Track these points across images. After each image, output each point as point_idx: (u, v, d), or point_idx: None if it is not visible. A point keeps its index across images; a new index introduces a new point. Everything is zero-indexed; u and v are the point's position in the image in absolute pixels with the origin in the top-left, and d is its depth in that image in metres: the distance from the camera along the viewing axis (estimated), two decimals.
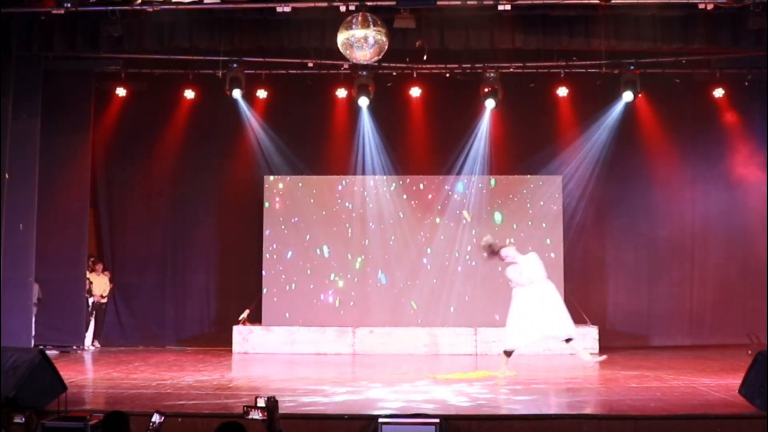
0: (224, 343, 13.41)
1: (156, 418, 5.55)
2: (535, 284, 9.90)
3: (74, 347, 13.23)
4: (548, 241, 13.74)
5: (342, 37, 9.65)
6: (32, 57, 11.82)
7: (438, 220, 13.97)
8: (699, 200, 14.27)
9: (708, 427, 7.40)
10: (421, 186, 14.09)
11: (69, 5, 10.24)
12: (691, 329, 14.11)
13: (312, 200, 14.09)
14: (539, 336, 10.06)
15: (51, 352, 11.22)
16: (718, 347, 13.27)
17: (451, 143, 14.07)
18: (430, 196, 14.04)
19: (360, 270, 13.93)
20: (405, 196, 14.04)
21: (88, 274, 13.74)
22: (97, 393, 9.31)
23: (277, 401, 5.18)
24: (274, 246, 13.90)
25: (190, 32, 11.27)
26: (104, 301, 13.96)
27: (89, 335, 13.74)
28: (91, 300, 13.74)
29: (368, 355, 12.97)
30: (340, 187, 14.14)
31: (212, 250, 14.55)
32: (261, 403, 5.12)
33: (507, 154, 14.14)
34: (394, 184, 14.08)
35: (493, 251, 10.18)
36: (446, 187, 14.02)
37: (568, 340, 10.13)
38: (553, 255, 13.66)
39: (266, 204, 14.02)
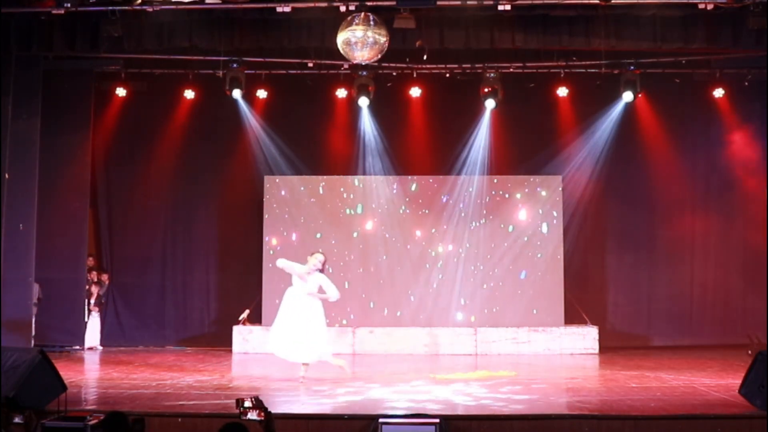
0: (224, 343, 13.40)
1: None
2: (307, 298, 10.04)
3: (75, 347, 13.26)
4: (548, 240, 13.75)
5: (342, 37, 9.64)
6: (32, 57, 11.81)
7: (438, 219, 13.95)
8: (699, 200, 14.28)
9: (708, 427, 7.42)
10: (422, 186, 14.09)
11: (69, 5, 10.23)
12: (691, 329, 14.10)
13: (312, 200, 14.10)
14: (292, 343, 10.02)
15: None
16: (718, 347, 13.26)
17: (451, 143, 14.08)
18: (430, 196, 14.03)
19: (360, 270, 13.93)
20: (405, 196, 14.04)
21: (88, 274, 13.77)
22: (97, 393, 9.31)
23: (261, 401, 5.19)
24: (274, 246, 13.89)
25: (190, 32, 11.25)
26: (102, 300, 13.96)
27: (97, 335, 13.74)
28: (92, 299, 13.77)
29: (368, 355, 12.96)
30: (340, 188, 14.14)
31: (212, 250, 14.53)
32: (247, 404, 5.12)
33: (507, 154, 14.13)
34: (394, 184, 14.07)
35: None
36: (446, 186, 14.01)
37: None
38: (553, 255, 13.69)
39: (266, 204, 14.02)
